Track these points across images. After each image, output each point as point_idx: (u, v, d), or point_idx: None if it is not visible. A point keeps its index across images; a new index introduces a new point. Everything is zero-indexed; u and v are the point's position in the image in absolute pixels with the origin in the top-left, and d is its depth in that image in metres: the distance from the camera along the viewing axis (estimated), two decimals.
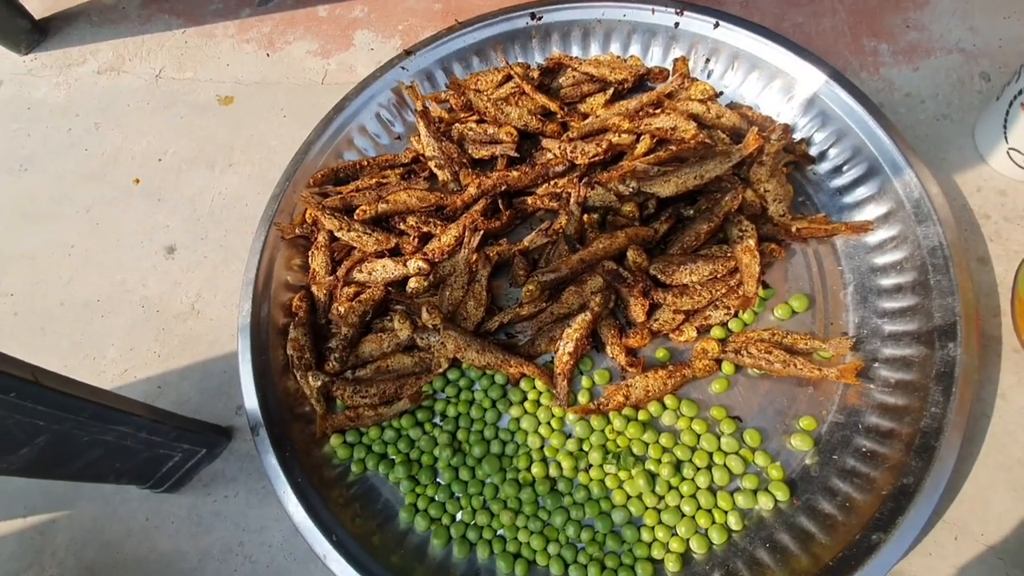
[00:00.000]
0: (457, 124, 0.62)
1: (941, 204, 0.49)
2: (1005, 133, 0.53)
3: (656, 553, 0.45)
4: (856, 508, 0.42)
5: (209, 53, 0.80)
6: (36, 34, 0.86)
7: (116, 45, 0.84)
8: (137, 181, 0.72)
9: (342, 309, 0.55)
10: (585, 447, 0.49)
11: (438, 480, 0.50)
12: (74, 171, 0.74)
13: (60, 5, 0.89)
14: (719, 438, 0.48)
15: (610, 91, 0.62)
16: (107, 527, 0.53)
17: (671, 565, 0.44)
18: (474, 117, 0.62)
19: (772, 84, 0.59)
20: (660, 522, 0.46)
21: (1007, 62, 0.61)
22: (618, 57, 0.64)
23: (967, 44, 0.63)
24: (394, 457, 0.51)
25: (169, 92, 0.78)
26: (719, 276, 0.51)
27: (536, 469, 0.48)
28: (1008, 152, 0.54)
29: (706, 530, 0.45)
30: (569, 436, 0.50)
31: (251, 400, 0.50)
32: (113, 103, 0.78)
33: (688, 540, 0.45)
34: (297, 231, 0.58)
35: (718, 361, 0.50)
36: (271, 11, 0.81)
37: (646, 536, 0.45)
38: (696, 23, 0.61)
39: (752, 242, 0.51)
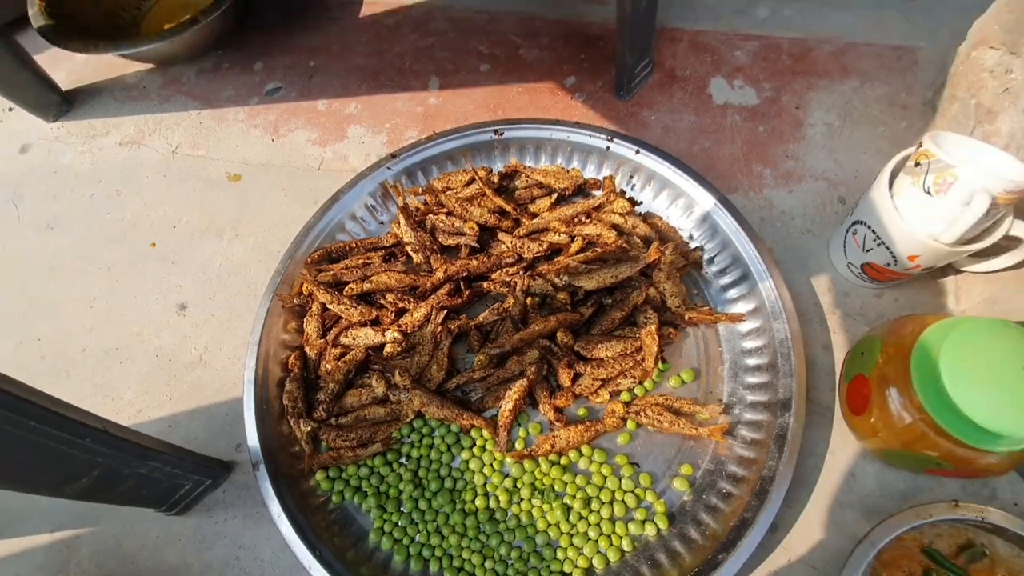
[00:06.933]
0: (430, 215, 0.77)
1: (789, 306, 0.66)
2: (844, 251, 0.70)
3: (567, 568, 0.59)
4: (713, 535, 0.57)
5: (221, 134, 0.93)
6: (64, 104, 0.99)
7: (137, 121, 0.97)
8: (154, 245, 0.84)
9: (330, 367, 0.68)
10: (518, 484, 0.63)
11: (402, 509, 0.63)
12: (97, 233, 0.86)
13: (85, 80, 1.02)
14: (620, 479, 0.62)
15: (554, 196, 0.78)
16: (124, 542, 0.65)
17: None
18: (444, 211, 0.77)
19: (677, 201, 0.76)
20: (571, 544, 0.60)
21: (859, 189, 0.79)
22: (563, 168, 0.81)
23: (831, 174, 0.81)
24: (367, 489, 0.64)
25: (184, 167, 0.91)
26: (628, 352, 0.67)
27: (479, 501, 0.62)
28: (847, 265, 0.71)
29: (606, 551, 0.59)
30: (506, 475, 0.64)
31: (253, 440, 0.63)
32: (134, 173, 0.91)
33: (591, 558, 0.59)
34: (295, 300, 0.72)
35: (623, 419, 0.65)
36: (277, 101, 0.96)
37: (560, 555, 0.59)
38: (622, 148, 0.78)
39: (653, 327, 0.66)
